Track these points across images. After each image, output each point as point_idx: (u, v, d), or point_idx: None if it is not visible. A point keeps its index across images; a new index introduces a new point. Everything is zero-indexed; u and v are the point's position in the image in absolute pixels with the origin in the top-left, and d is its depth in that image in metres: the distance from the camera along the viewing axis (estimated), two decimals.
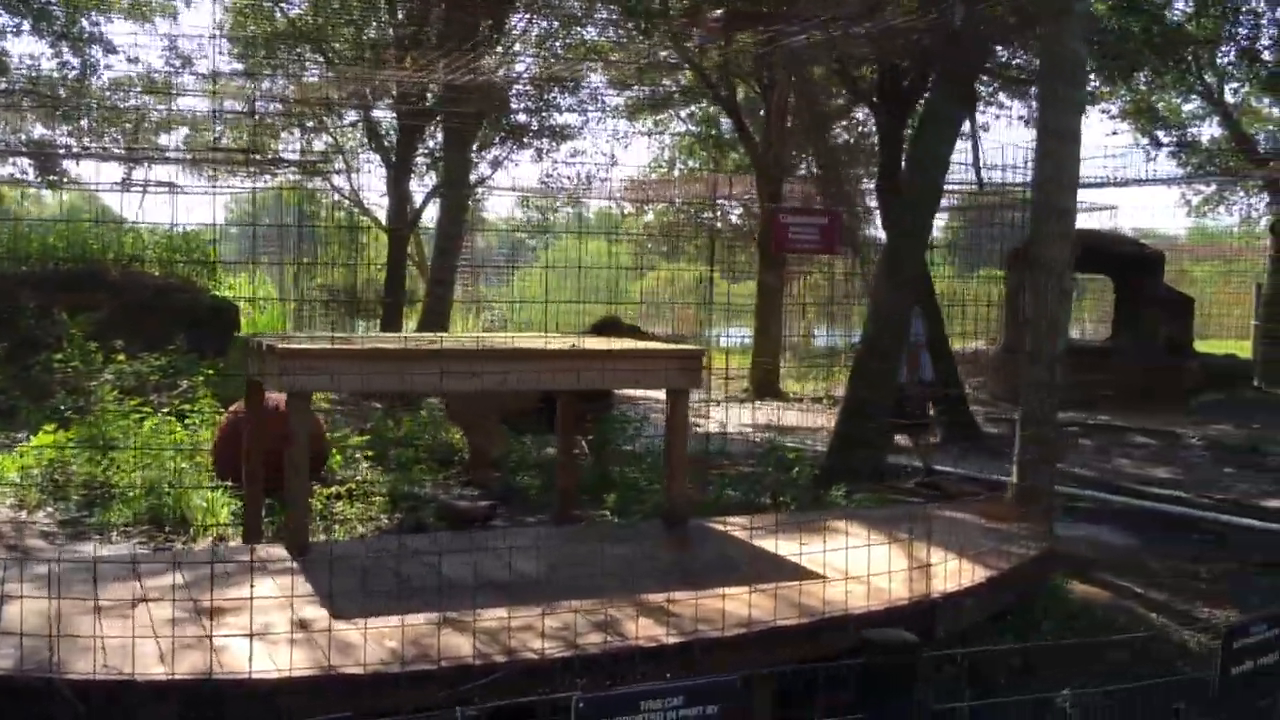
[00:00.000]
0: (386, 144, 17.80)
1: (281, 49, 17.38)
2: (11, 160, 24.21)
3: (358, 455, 10.42)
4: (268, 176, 22.72)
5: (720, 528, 6.57)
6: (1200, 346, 21.55)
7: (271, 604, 4.67)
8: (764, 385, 18.53)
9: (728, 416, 11.64)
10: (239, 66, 19.24)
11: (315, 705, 3.80)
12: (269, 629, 4.37)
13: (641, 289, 30.15)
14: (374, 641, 4.30)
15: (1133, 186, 21.10)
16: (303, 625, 4.49)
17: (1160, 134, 21.99)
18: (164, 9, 21.82)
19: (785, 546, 5.81)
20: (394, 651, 4.21)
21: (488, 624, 4.54)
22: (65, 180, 23.51)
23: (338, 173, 21.98)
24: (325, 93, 18.80)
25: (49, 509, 8.93)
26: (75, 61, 22.24)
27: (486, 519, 8.72)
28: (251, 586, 4.35)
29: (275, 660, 4.06)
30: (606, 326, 10.76)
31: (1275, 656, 3.79)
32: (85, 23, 22.19)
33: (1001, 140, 18.32)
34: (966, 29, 10.11)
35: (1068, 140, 7.90)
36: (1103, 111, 19.70)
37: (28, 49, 22.44)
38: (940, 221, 24.10)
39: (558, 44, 19.27)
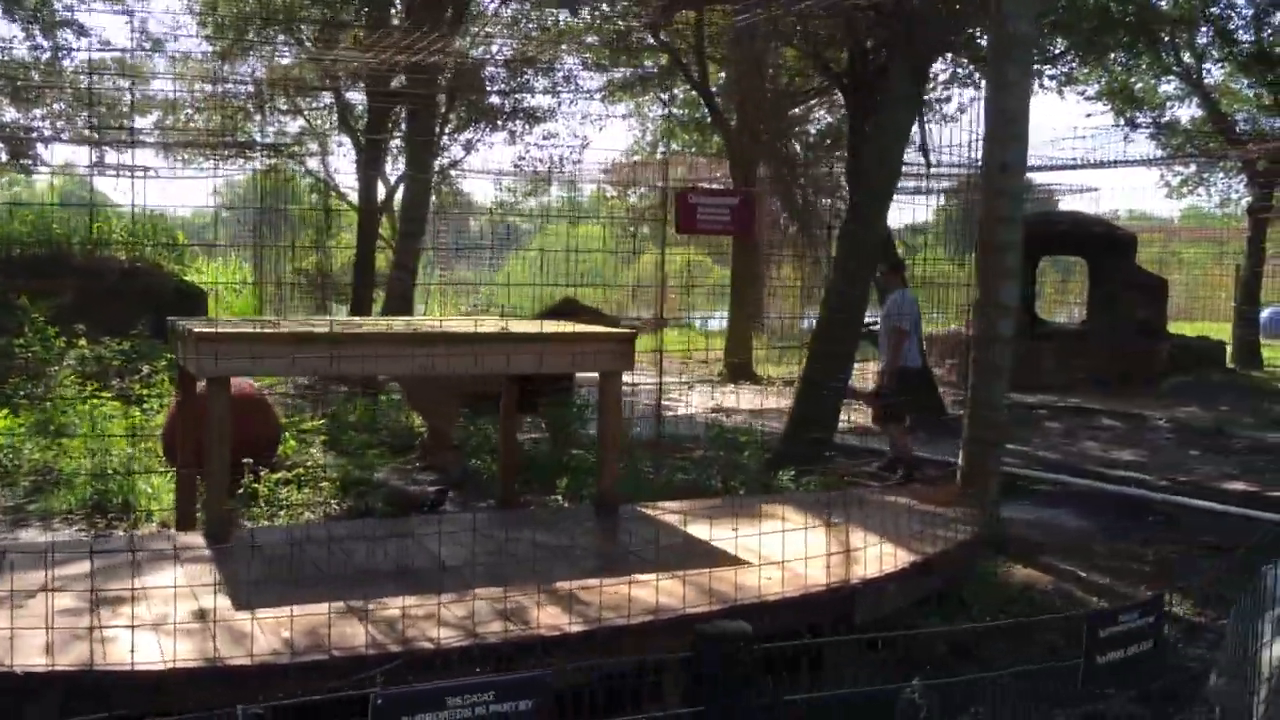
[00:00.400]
0: (355, 126, 17.66)
1: (250, 30, 17.21)
2: None
3: (312, 440, 10.36)
4: (240, 160, 22.55)
5: (652, 513, 6.51)
6: (1188, 329, 21.55)
7: (177, 593, 4.60)
8: (738, 369, 18.47)
9: (687, 399, 11.53)
10: (209, 48, 19.06)
11: (200, 696, 3.75)
12: (167, 619, 4.30)
13: (638, 273, 30.03)
14: (270, 632, 4.24)
15: (1111, 168, 20.99)
16: (201, 615, 4.42)
17: (1137, 115, 21.85)
18: None
19: (716, 532, 5.75)
20: (288, 642, 4.15)
21: (390, 613, 4.47)
22: (38, 164, 23.31)
23: (310, 155, 21.82)
24: (298, 73, 18.68)
25: None
26: (46, 45, 22.12)
27: (435, 504, 8.64)
28: (135, 574, 4.28)
29: (164, 651, 3.99)
30: (564, 309, 10.66)
31: (1147, 646, 3.75)
32: (59, 5, 22.04)
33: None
34: (923, 7, 10.03)
35: (1015, 122, 7.82)
36: (1079, 93, 19.60)
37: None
38: (936, 203, 24.00)
39: (531, 25, 19.13)
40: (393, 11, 14.98)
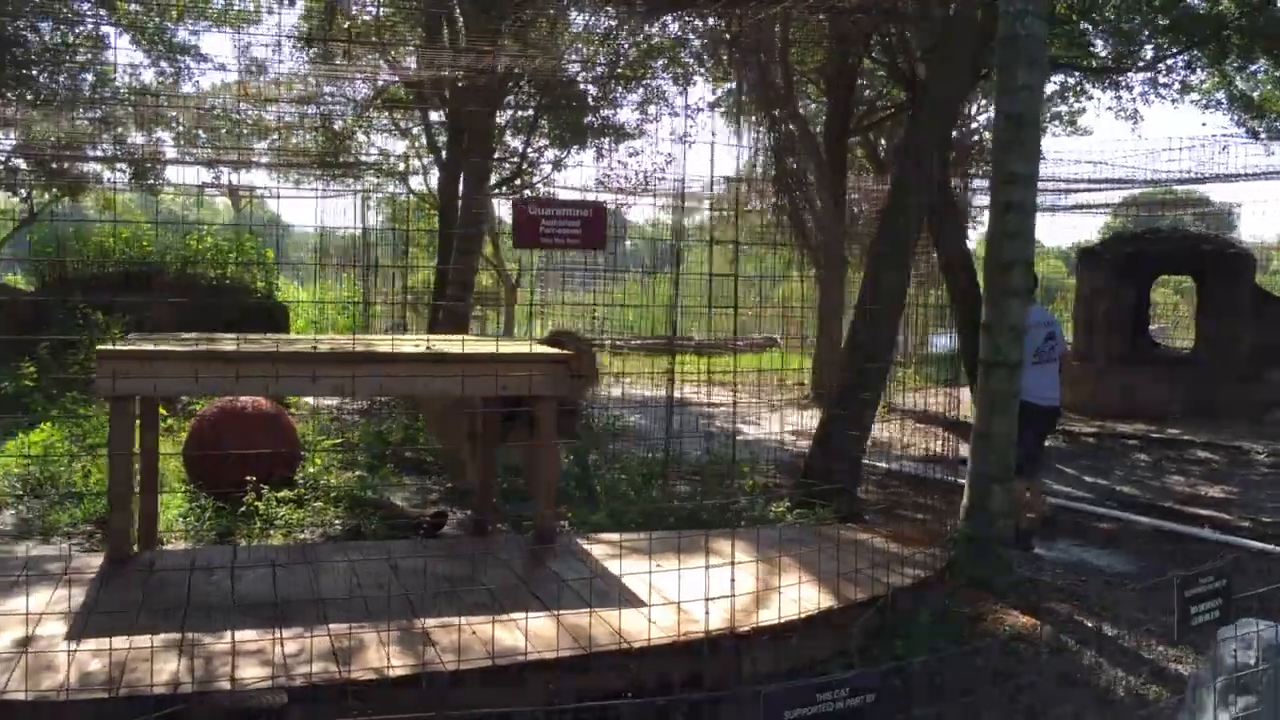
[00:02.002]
0: (439, 144, 17.76)
1: (341, 54, 17.45)
2: (118, 167, 25.23)
3: (330, 460, 10.30)
4: (350, 180, 22.98)
5: (588, 545, 6.14)
6: None
7: (28, 618, 4.48)
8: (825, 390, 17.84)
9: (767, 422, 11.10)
10: (311, 69, 19.44)
11: None
12: None
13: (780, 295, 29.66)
14: (80, 665, 4.05)
15: (1245, 181, 19.62)
16: (24, 643, 4.27)
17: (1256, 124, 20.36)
18: (248, 18, 22.26)
19: (636, 567, 5.37)
20: (89, 676, 3.95)
21: (220, 647, 4.24)
22: (163, 185, 24.24)
23: (413, 175, 22.08)
24: (398, 93, 18.89)
25: (18, 509, 9.03)
26: (170, 70, 23.05)
27: (433, 527, 8.44)
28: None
29: None
30: (556, 338, 10.31)
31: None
32: (184, 32, 22.97)
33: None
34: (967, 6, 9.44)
35: (1025, 129, 7.21)
36: (1194, 102, 18.34)
37: (127, 59, 22.99)
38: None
39: (623, 40, 18.93)
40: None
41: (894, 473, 12.17)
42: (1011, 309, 7.26)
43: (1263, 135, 16.83)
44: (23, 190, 24.44)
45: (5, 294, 17.23)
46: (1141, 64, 15.92)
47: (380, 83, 19.27)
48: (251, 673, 4.01)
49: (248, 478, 8.48)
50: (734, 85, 19.74)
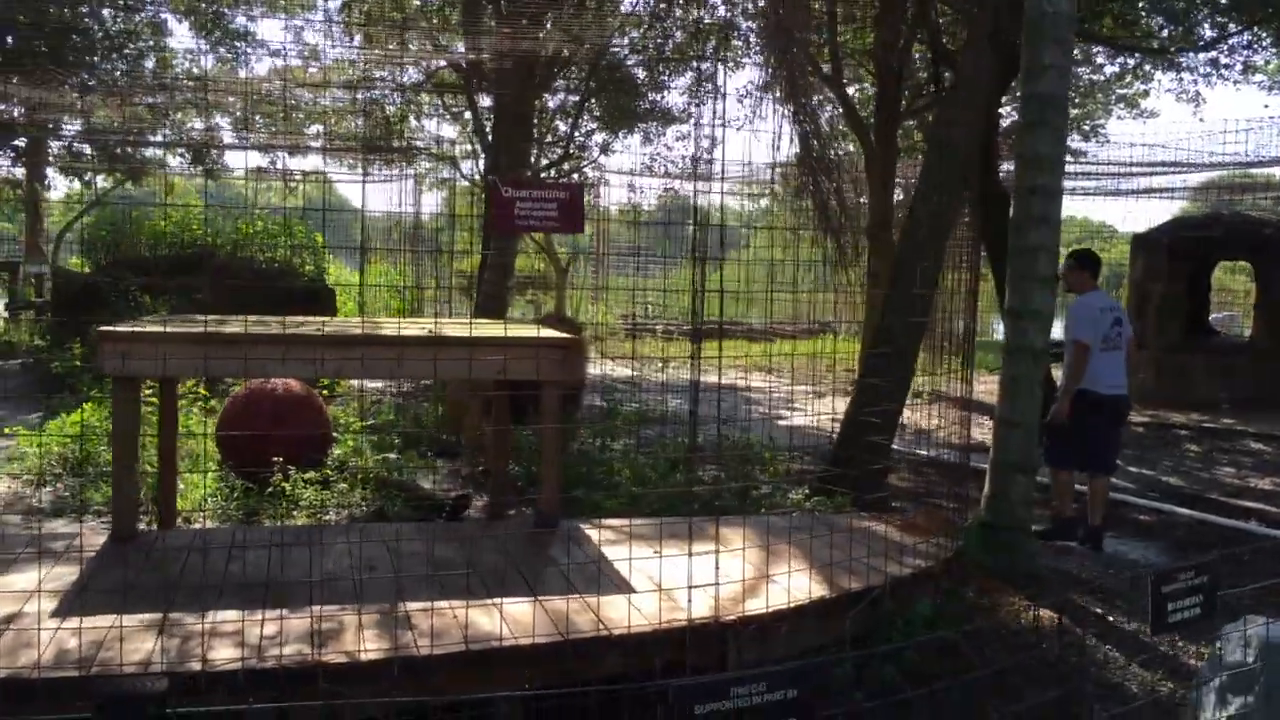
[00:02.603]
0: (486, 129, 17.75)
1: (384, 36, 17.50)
2: (179, 152, 25.68)
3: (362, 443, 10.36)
4: (404, 164, 23.09)
5: (590, 529, 6.09)
6: None
7: (15, 596, 4.54)
8: None
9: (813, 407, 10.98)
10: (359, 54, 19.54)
11: None
12: None
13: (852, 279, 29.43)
14: (55, 645, 4.08)
15: None
16: (7, 621, 4.32)
17: None
18: (304, 4, 22.46)
19: (638, 552, 5.30)
20: (63, 655, 3.98)
21: (199, 628, 4.25)
22: (221, 169, 24.61)
23: (464, 159, 22.13)
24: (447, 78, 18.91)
25: (55, 486, 9.21)
26: (229, 56, 23.39)
27: (456, 509, 8.45)
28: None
29: None
30: (549, 322, 10.23)
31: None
32: (243, 19, 23.30)
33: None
34: None
35: (1053, 110, 7.01)
36: (1258, 85, 17.80)
37: (185, 45, 23.46)
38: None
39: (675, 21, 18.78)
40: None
41: (933, 460, 12.00)
42: (1036, 295, 7.09)
43: None
44: (86, 175, 24.98)
45: (60, 277, 17.60)
46: (1201, 44, 15.45)
47: (428, 65, 19.34)
48: (224, 654, 4.02)
49: (274, 459, 8.55)
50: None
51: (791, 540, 5.59)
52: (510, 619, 4.44)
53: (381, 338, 5.77)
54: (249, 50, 24.03)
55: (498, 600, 4.64)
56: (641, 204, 21.75)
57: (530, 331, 6.17)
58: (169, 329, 5.48)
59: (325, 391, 13.43)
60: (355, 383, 14.72)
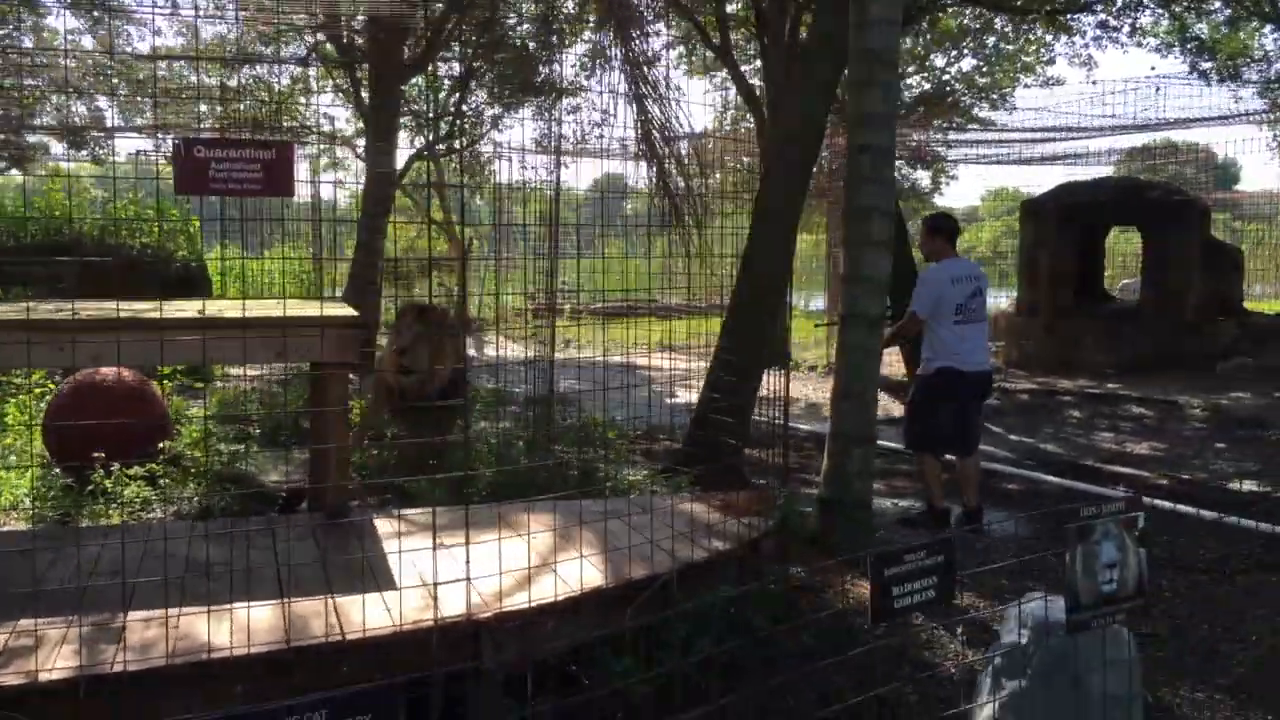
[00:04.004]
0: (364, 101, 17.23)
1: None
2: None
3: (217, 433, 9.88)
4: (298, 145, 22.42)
5: (382, 523, 5.69)
6: None
7: None
8: None
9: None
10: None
11: None
12: None
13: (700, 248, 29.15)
14: None
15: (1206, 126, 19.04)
16: None
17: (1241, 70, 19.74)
18: None
19: (421, 544, 4.89)
20: None
21: None
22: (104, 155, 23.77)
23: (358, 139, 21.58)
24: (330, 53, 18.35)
25: None
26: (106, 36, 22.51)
27: (289, 504, 8.00)
28: None
29: None
30: (410, 311, 9.75)
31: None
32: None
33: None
34: None
35: (881, 65, 6.69)
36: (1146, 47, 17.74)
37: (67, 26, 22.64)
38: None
39: None
40: None
41: (813, 435, 11.75)
42: (870, 260, 6.78)
43: (1213, 77, 16.23)
44: None
45: None
46: (1084, 3, 15.31)
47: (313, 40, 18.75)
48: None
49: (95, 454, 8.03)
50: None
51: (587, 524, 5.22)
52: (241, 626, 4.03)
53: (142, 320, 5.30)
54: (129, 29, 23.24)
55: (238, 605, 4.22)
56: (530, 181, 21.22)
57: (312, 310, 5.72)
58: None
59: (200, 383, 12.91)
60: (237, 370, 14.18)
